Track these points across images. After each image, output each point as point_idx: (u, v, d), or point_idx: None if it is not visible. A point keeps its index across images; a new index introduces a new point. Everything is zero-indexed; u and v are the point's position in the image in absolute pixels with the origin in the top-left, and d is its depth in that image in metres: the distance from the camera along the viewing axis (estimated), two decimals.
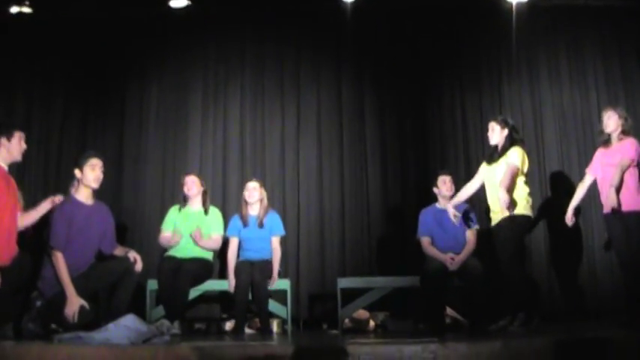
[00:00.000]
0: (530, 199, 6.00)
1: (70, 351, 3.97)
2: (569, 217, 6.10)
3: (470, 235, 6.38)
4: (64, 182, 6.93)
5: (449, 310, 6.43)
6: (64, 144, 8.00)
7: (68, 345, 4.26)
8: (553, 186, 7.60)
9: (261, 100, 8.11)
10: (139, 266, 5.37)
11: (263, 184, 6.76)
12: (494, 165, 6.09)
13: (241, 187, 6.88)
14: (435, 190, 6.56)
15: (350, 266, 7.60)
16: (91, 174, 5.40)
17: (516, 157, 5.94)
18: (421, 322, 6.50)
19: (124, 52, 8.19)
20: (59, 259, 5.11)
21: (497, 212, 5.99)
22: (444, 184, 6.52)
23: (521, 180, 5.97)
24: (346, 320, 6.63)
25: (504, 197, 5.64)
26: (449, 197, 6.46)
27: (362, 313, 6.65)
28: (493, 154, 6.18)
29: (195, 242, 6.35)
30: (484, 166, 6.28)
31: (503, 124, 6.15)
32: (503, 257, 5.84)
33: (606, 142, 5.98)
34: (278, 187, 7.82)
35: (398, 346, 3.84)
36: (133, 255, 5.40)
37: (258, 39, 8.28)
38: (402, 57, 8.13)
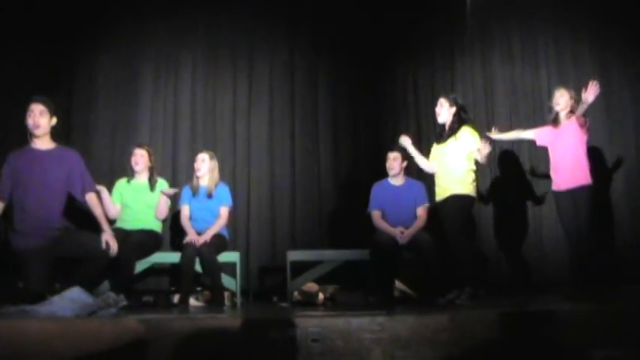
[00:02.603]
0: (475, 182, 6.09)
1: (13, 325, 3.90)
2: (490, 135, 6.40)
3: (421, 210, 6.42)
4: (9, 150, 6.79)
5: (398, 284, 6.48)
6: (10, 114, 7.78)
7: (12, 318, 4.19)
8: (502, 161, 7.67)
9: (213, 71, 8.03)
10: (113, 250, 5.36)
11: (214, 156, 6.68)
12: (443, 145, 6.14)
13: (192, 158, 6.81)
14: (387, 164, 6.58)
15: (300, 239, 7.63)
16: (29, 120, 5.34)
17: (472, 140, 5.99)
18: (370, 295, 6.53)
19: (73, 21, 7.96)
20: None
21: (445, 189, 6.05)
22: (393, 160, 6.54)
23: (471, 161, 6.03)
24: (295, 293, 6.64)
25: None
26: (397, 175, 6.50)
27: (311, 286, 6.66)
28: (442, 134, 6.22)
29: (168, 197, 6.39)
30: (434, 146, 6.34)
31: (453, 102, 6.17)
32: (450, 233, 5.91)
33: (555, 120, 6.08)
34: (229, 160, 7.78)
35: (346, 319, 3.86)
36: (106, 239, 5.36)
37: (211, 9, 8.16)
38: (356, 31, 8.11)
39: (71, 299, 4.44)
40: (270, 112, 7.99)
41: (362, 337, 3.77)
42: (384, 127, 8.04)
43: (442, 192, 6.10)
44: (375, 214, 6.48)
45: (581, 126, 5.87)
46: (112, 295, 5.43)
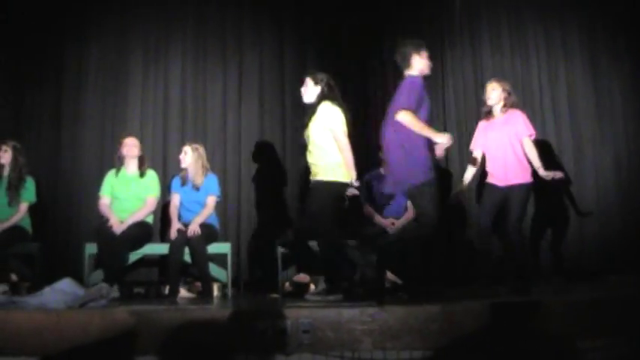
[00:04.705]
0: (343, 169, 5.42)
1: (3, 316, 3.90)
2: (454, 196, 6.10)
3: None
4: None
5: (388, 274, 6.48)
6: None
7: (2, 310, 4.18)
8: None
9: (202, 61, 8.01)
10: None
11: (198, 148, 6.56)
12: (310, 124, 5.60)
13: (179, 149, 6.80)
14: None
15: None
16: None
17: (329, 118, 5.42)
18: (360, 285, 6.54)
19: (60, 12, 7.92)
20: None
21: (313, 173, 5.60)
22: None
23: (344, 144, 5.44)
24: (287, 284, 6.65)
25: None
26: None
27: (302, 277, 6.68)
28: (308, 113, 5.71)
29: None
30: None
31: (316, 79, 5.64)
32: (317, 224, 5.42)
33: (488, 114, 5.99)
34: (219, 150, 7.77)
35: (337, 310, 3.88)
36: None
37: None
38: (345, 21, 8.10)
39: (62, 290, 4.44)
40: (260, 103, 7.98)
41: (352, 328, 3.79)
42: (375, 117, 8.01)
43: (312, 177, 5.64)
44: (366, 206, 6.48)
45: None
46: (104, 286, 5.43)
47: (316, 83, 5.60)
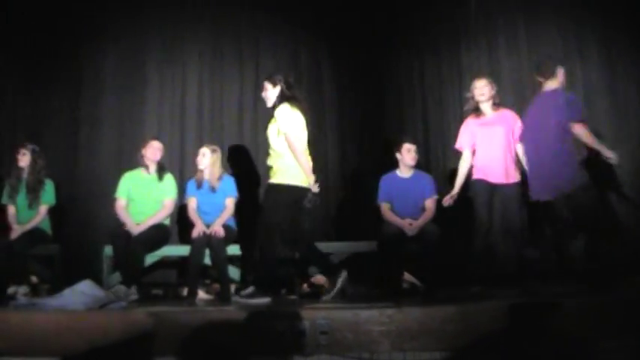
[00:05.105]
0: (299, 172, 5.40)
1: (24, 317, 3.94)
2: (450, 198, 5.96)
3: (429, 203, 6.40)
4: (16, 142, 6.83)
5: (406, 275, 6.48)
6: (17, 109, 7.85)
7: (23, 311, 4.22)
8: None
9: (219, 62, 8.05)
10: None
11: (216, 150, 6.59)
12: (269, 126, 5.61)
13: (196, 150, 6.82)
14: (399, 156, 6.54)
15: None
16: None
17: (283, 121, 5.38)
18: (379, 286, 6.53)
19: (77, 13, 7.99)
20: None
21: (269, 176, 5.59)
22: (408, 152, 6.48)
23: (298, 148, 5.40)
24: (304, 285, 6.65)
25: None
26: (411, 166, 6.48)
27: (319, 278, 6.66)
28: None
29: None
30: None
31: (274, 81, 5.61)
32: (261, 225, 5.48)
33: (477, 110, 5.98)
34: (235, 152, 7.78)
35: (354, 311, 3.88)
36: None
37: (216, 2, 8.20)
38: (361, 23, 8.09)
39: (82, 292, 4.47)
40: None
41: (370, 330, 3.79)
42: (391, 119, 8.03)
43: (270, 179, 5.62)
44: (384, 206, 6.48)
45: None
46: (122, 288, 5.48)
47: (274, 85, 5.60)
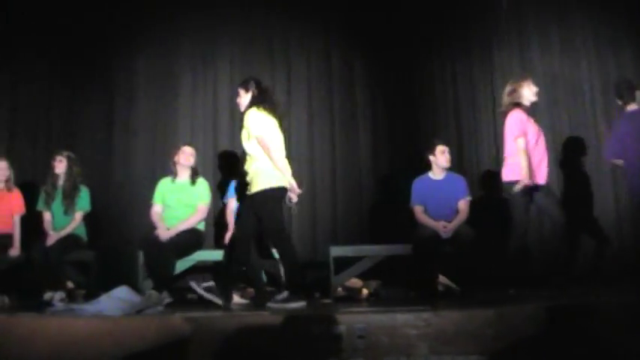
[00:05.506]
0: (277, 173, 5.39)
1: (61, 323, 3.97)
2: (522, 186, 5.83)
3: (462, 204, 6.37)
4: (51, 154, 6.89)
5: (441, 278, 6.43)
6: (52, 117, 7.94)
7: (60, 317, 4.25)
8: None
9: (250, 68, 8.03)
10: None
11: None
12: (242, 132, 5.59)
13: (232, 155, 6.83)
14: (432, 158, 6.50)
15: (342, 234, 7.62)
16: None
17: (253, 124, 5.39)
18: (413, 289, 6.50)
19: (109, 22, 8.06)
20: None
21: (250, 180, 5.54)
22: (442, 154, 6.46)
23: (272, 151, 5.41)
24: (339, 289, 6.63)
25: None
26: (445, 168, 6.45)
27: (354, 282, 6.64)
28: None
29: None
30: None
31: (246, 87, 5.62)
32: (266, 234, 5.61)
33: (528, 109, 6.01)
34: None
35: (391, 315, 3.86)
36: None
37: (246, 4, 8.21)
38: (392, 25, 8.05)
39: (119, 298, 4.50)
40: (308, 107, 8.00)
41: (407, 333, 3.76)
42: (423, 121, 7.97)
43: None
44: (418, 210, 6.45)
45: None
46: (154, 293, 5.49)
47: (247, 91, 5.61)
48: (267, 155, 5.35)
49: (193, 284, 5.87)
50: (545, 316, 3.92)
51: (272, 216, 5.39)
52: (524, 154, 5.77)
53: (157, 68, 8.05)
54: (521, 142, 5.79)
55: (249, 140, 5.43)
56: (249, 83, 5.61)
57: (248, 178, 5.50)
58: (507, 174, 5.87)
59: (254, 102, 5.50)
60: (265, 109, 5.48)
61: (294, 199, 5.64)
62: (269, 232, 5.47)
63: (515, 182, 5.72)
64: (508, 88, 6.06)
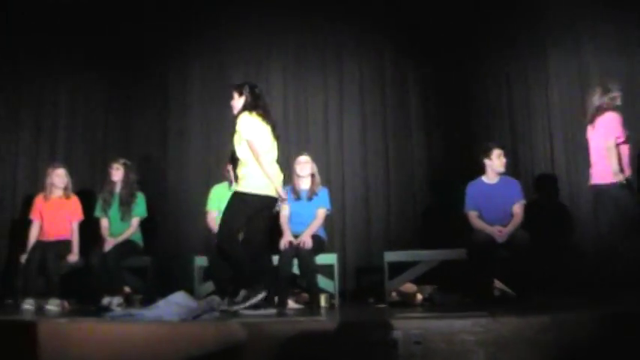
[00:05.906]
0: (264, 180, 5.39)
1: (121, 328, 4.02)
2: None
3: (517, 208, 6.30)
4: (108, 161, 7.01)
5: (497, 283, 6.37)
6: (109, 125, 8.09)
7: (119, 322, 4.31)
8: None
9: (303, 73, 8.09)
10: None
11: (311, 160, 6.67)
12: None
13: (283, 162, 6.84)
14: (487, 162, 6.44)
15: (395, 239, 7.57)
16: None
17: (244, 129, 5.41)
18: (469, 295, 6.44)
19: (162, 30, 8.17)
20: None
21: (239, 182, 5.56)
22: (498, 158, 6.40)
23: (261, 156, 5.42)
24: (393, 294, 6.60)
25: None
26: (501, 172, 6.39)
27: (409, 287, 6.61)
28: None
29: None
30: None
31: (240, 90, 5.61)
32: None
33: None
34: (322, 161, 7.76)
35: (448, 321, 3.84)
36: None
37: (300, 15, 8.23)
38: (445, 27, 7.99)
39: (176, 303, 4.54)
40: (361, 113, 7.98)
41: (465, 339, 3.73)
42: (477, 125, 7.90)
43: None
44: (472, 215, 6.40)
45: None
46: (215, 298, 5.52)
47: (240, 94, 5.61)
48: (256, 160, 5.38)
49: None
50: (604, 322, 3.86)
51: (234, 216, 5.43)
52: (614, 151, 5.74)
53: (210, 75, 8.16)
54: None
55: (239, 144, 5.47)
56: (244, 87, 5.63)
57: (237, 181, 5.58)
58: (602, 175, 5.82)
59: (247, 106, 5.52)
60: (258, 114, 5.52)
61: (279, 206, 5.86)
62: (222, 229, 5.45)
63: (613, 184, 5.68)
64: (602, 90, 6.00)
